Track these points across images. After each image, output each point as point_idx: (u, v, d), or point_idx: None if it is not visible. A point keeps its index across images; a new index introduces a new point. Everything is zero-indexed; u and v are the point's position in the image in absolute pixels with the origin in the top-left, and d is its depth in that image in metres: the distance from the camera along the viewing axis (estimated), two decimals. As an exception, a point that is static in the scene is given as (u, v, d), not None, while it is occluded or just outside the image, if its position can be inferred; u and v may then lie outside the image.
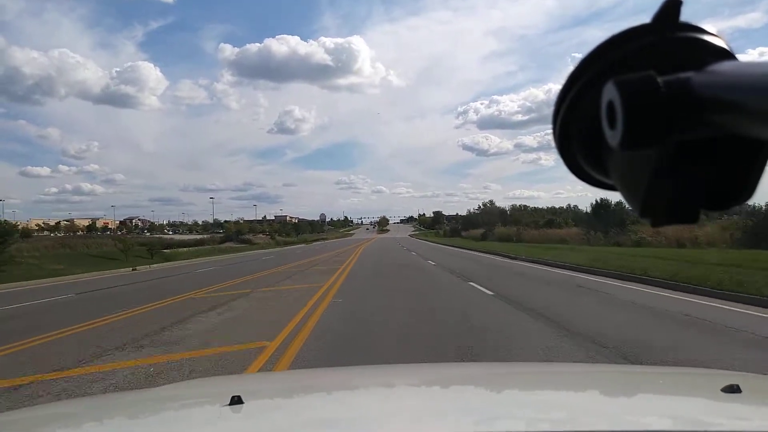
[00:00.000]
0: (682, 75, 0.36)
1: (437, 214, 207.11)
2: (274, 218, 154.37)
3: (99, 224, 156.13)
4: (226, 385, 2.02)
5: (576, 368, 2.99)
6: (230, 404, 1.28)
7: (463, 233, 74.38)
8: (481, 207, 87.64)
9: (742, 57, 0.39)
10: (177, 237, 66.72)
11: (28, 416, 1.80)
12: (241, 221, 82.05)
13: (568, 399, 1.57)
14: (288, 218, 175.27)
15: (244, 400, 1.30)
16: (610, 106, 0.36)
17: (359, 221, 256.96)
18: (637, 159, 0.40)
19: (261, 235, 78.84)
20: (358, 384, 1.87)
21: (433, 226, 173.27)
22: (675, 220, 0.40)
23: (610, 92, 0.36)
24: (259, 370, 5.24)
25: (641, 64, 0.38)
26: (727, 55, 0.39)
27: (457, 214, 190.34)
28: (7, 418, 1.73)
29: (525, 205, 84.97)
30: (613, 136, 0.36)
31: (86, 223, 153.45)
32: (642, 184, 0.40)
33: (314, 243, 76.53)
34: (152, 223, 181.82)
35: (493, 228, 58.31)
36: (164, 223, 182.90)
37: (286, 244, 66.27)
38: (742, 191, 0.39)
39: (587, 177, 0.46)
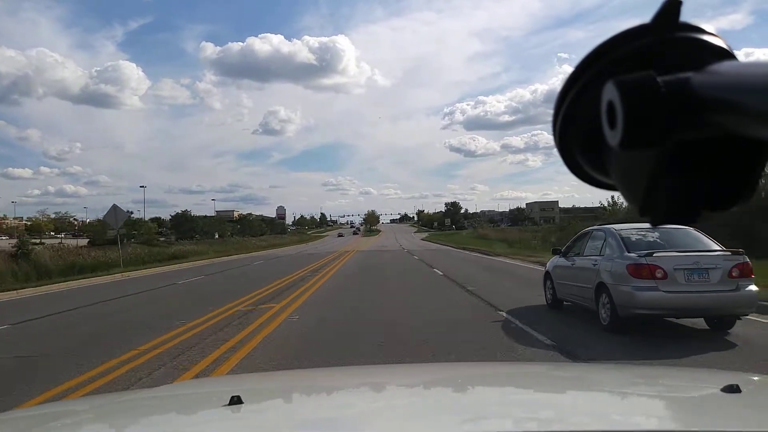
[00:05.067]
0: (682, 75, 0.36)
1: (453, 206, 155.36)
2: (215, 214, 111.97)
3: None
4: (225, 385, 2.03)
5: (573, 369, 2.96)
6: (230, 404, 1.28)
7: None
8: None
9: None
10: None
11: (27, 416, 1.79)
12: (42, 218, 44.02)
13: (557, 398, 1.57)
14: (238, 214, 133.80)
15: (243, 400, 1.30)
16: (610, 105, 0.36)
17: (345, 220, 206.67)
18: (637, 159, 0.39)
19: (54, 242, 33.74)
20: (352, 384, 1.91)
21: (447, 224, 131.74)
22: (675, 219, 0.40)
23: (610, 92, 0.36)
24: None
25: (641, 64, 0.38)
26: (727, 55, 0.39)
27: (466, 210, 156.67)
28: (7, 417, 1.73)
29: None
30: (613, 136, 0.36)
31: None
32: (642, 184, 0.40)
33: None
34: (85, 222, 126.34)
35: None
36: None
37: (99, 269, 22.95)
38: (742, 191, 0.39)
39: (587, 177, 0.46)
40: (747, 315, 6.58)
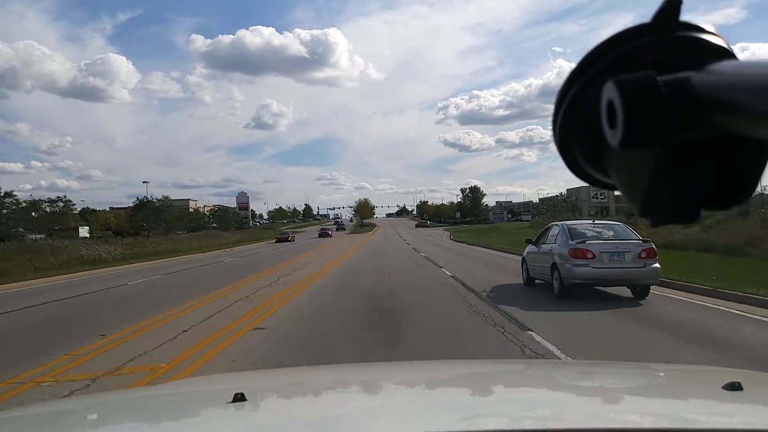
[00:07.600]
0: (682, 75, 0.36)
1: (473, 193, 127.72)
2: (159, 201, 69.43)
3: None
4: (229, 383, 2.08)
5: (570, 366, 2.97)
6: (233, 401, 1.29)
7: None
8: None
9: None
10: None
11: (28, 416, 1.80)
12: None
13: (555, 396, 1.59)
14: (196, 207, 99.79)
15: (247, 397, 1.32)
16: (610, 105, 0.36)
17: (334, 213, 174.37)
18: (637, 158, 0.40)
19: None
20: (353, 381, 1.97)
21: (464, 216, 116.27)
22: (675, 219, 0.40)
23: (610, 92, 0.36)
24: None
25: (641, 63, 0.38)
26: (727, 54, 0.39)
27: (478, 204, 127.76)
28: (7, 417, 1.75)
29: None
30: (613, 136, 0.36)
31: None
32: (642, 183, 0.40)
33: None
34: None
35: None
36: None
37: None
38: (741, 191, 0.39)
39: (587, 176, 0.46)
40: (654, 285, 9.35)
